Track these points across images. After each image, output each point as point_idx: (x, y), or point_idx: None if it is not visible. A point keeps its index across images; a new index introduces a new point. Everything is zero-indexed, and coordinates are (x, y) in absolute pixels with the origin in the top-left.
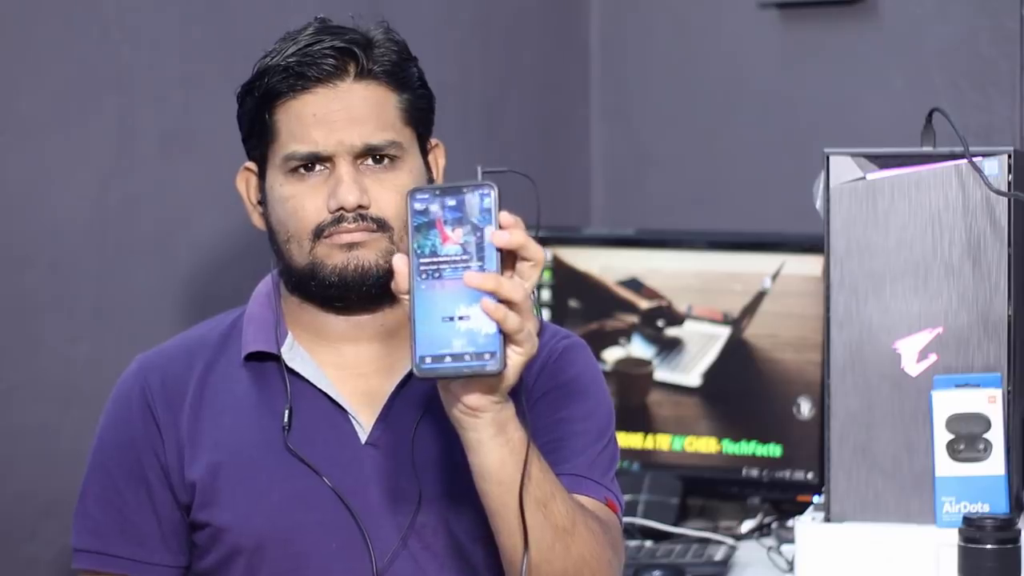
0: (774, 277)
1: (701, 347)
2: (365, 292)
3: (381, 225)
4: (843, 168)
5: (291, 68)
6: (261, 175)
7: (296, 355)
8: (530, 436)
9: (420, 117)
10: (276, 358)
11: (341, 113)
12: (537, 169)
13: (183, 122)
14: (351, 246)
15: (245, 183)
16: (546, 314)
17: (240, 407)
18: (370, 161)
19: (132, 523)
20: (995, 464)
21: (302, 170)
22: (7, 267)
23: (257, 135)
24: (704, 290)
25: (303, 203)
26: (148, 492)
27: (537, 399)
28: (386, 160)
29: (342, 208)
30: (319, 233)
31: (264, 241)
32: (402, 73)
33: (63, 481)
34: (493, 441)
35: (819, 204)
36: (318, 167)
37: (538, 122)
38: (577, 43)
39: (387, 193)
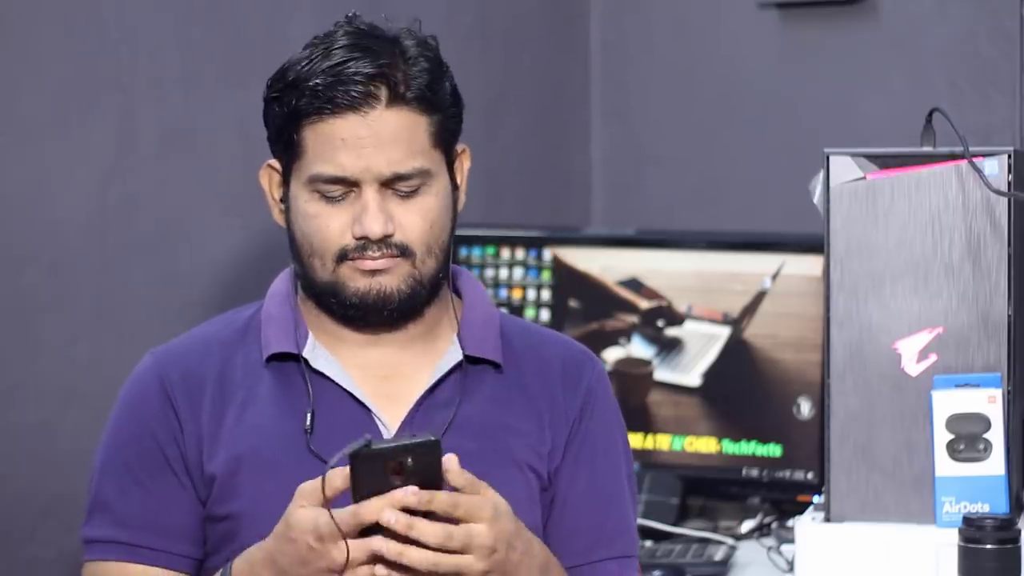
0: (774, 277)
1: (701, 347)
2: (386, 316)
3: (404, 251)
4: (843, 168)
5: (320, 92)
6: (284, 178)
7: (319, 355)
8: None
9: (450, 136)
10: (298, 358)
11: (370, 140)
12: (537, 169)
13: (183, 122)
14: (374, 272)
15: (268, 179)
16: (546, 314)
17: (262, 405)
18: (397, 187)
19: (155, 513)
20: (995, 464)
21: (329, 192)
22: (7, 267)
23: (284, 144)
24: (704, 290)
25: (328, 223)
26: (171, 482)
27: (579, 445)
28: (412, 187)
29: (366, 237)
30: (343, 256)
31: (265, 241)
32: (434, 95)
33: (63, 481)
34: None
35: (817, 199)
36: (344, 191)
37: (538, 122)
38: (577, 44)
39: (412, 218)
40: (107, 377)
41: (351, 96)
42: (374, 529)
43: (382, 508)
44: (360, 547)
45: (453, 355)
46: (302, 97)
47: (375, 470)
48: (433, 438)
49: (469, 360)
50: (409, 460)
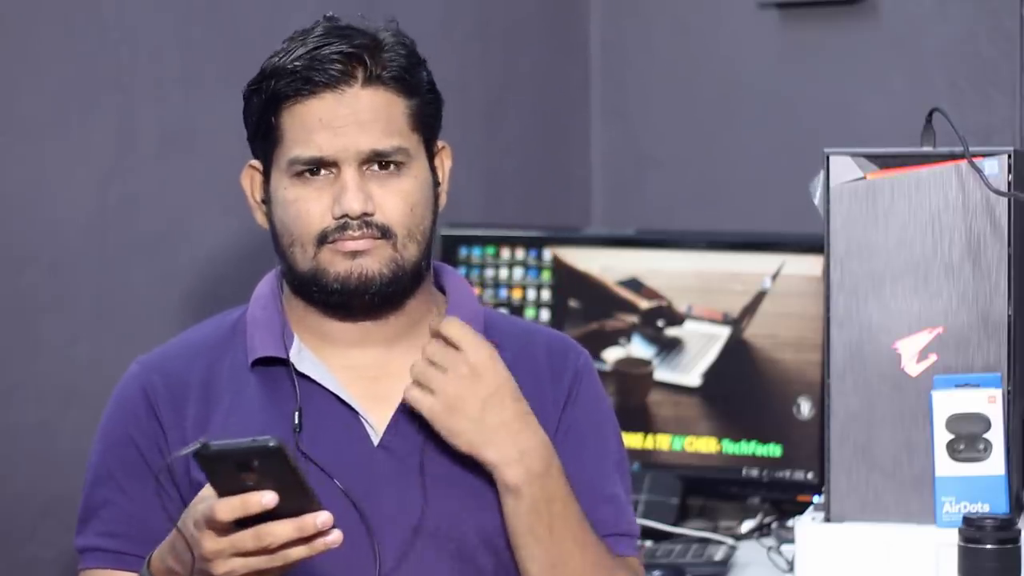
0: (774, 277)
1: (701, 347)
2: (368, 300)
3: (385, 232)
4: (843, 168)
5: (298, 72)
6: (265, 175)
7: (304, 358)
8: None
9: (427, 122)
10: (284, 362)
11: (347, 118)
12: (537, 169)
13: (183, 122)
14: (355, 254)
15: (249, 181)
16: (546, 314)
17: (248, 410)
18: (376, 167)
19: (140, 521)
20: (995, 464)
21: (307, 174)
22: (7, 267)
23: (262, 136)
24: (704, 290)
25: (308, 207)
26: (155, 491)
27: (565, 431)
28: (392, 166)
29: (347, 215)
30: (323, 239)
31: (264, 241)
32: (411, 78)
33: (63, 481)
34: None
35: (817, 199)
36: (323, 172)
37: (538, 123)
38: (577, 44)
39: (392, 199)
40: (107, 377)
41: (328, 75)
42: (263, 518)
43: (235, 508)
44: (223, 541)
45: None
46: (279, 81)
47: (224, 470)
48: (272, 444)
49: None
50: (255, 462)
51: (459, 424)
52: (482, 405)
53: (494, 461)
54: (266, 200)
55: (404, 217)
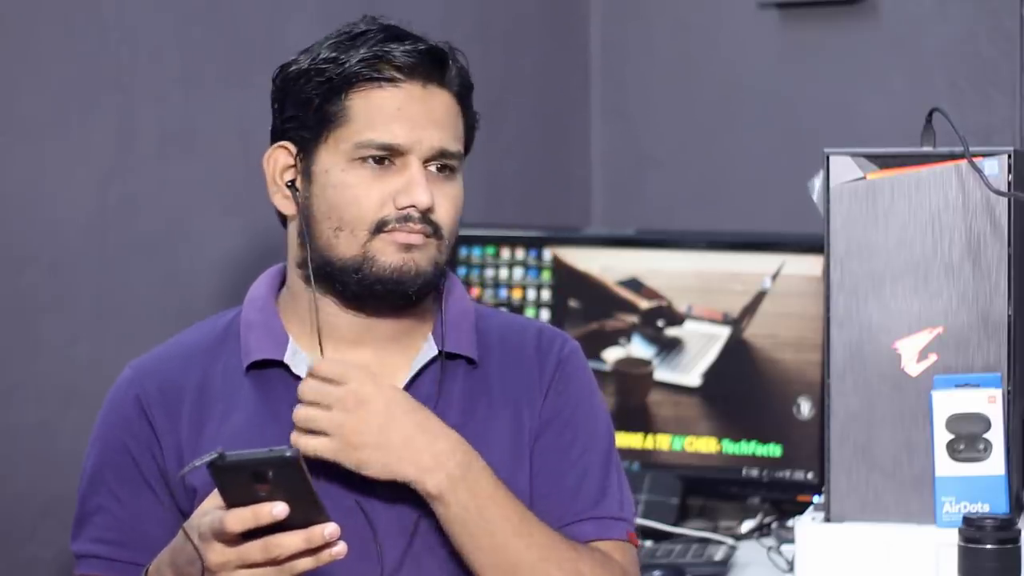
0: (774, 277)
1: (701, 347)
2: (409, 294)
3: (436, 231)
4: (843, 168)
5: (383, 58)
6: (305, 158)
7: (300, 361)
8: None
9: (470, 137)
10: (279, 364)
11: (423, 112)
12: (537, 169)
13: (183, 122)
14: (409, 247)
15: (273, 163)
16: (546, 314)
17: (243, 413)
18: (434, 168)
19: (132, 527)
20: (995, 464)
21: (371, 160)
22: (7, 267)
23: (316, 117)
24: (704, 290)
25: (368, 193)
26: (147, 497)
27: (548, 420)
28: (447, 170)
29: (414, 207)
30: (380, 227)
31: (266, 241)
32: (468, 95)
33: (63, 481)
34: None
35: (817, 197)
36: (388, 161)
37: (538, 123)
38: (577, 44)
39: (445, 202)
40: (107, 377)
41: (413, 68)
42: (269, 529)
43: (246, 520)
44: (229, 553)
45: (428, 352)
46: (355, 65)
47: (237, 481)
48: (289, 454)
49: (446, 356)
50: (270, 473)
51: (365, 455)
52: (379, 429)
53: (412, 476)
54: (293, 184)
55: (452, 222)
